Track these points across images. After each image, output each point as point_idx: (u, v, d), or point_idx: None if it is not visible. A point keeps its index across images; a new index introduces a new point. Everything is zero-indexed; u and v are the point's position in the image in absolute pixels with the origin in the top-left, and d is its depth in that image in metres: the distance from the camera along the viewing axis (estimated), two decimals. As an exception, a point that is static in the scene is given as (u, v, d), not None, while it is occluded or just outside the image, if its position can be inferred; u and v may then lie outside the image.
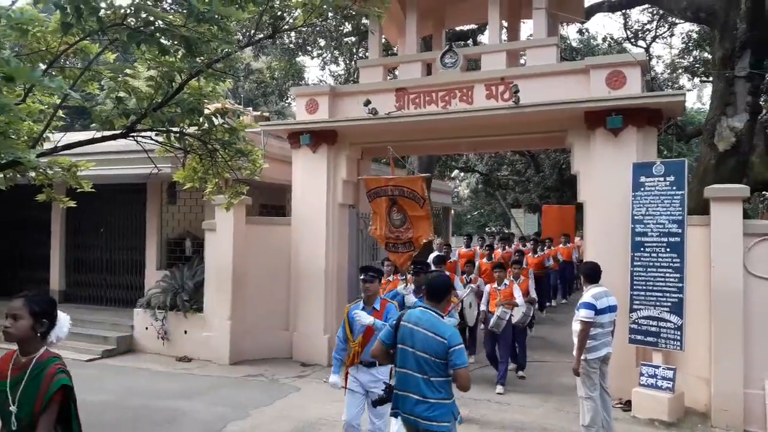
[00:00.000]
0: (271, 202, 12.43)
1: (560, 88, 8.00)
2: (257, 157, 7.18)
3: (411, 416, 3.67)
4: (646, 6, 15.75)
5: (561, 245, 15.69)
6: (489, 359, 8.34)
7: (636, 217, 7.22)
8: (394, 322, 3.88)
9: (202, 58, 5.30)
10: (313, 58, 18.95)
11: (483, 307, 8.48)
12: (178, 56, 5.25)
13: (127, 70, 5.42)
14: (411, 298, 5.85)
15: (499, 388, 7.83)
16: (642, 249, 7.16)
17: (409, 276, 7.22)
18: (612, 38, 19.29)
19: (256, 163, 7.21)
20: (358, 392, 5.11)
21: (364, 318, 5.02)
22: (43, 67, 5.09)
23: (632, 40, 18.23)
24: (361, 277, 5.24)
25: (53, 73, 5.05)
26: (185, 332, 9.90)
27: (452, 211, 26.51)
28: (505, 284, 8.25)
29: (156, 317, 10.02)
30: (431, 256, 9.54)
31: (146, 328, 10.20)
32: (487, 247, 12.95)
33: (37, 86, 4.96)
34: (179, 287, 10.10)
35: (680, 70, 19.70)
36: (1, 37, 3.77)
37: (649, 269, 7.08)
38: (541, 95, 7.97)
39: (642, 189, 7.20)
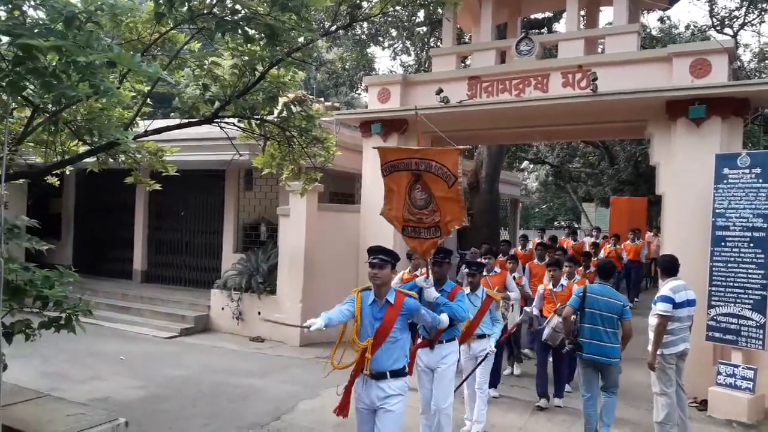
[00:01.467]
0: (341, 190, 12.65)
1: (641, 77, 7.79)
2: (331, 144, 7.36)
3: (596, 356, 5.57)
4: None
5: (628, 242, 14.15)
6: (538, 379, 6.97)
7: (718, 211, 6.95)
8: (581, 293, 5.66)
9: (282, 47, 5.48)
10: (384, 48, 19.08)
11: (535, 311, 7.32)
12: (261, 45, 5.44)
13: (213, 59, 5.67)
14: (432, 293, 4.77)
15: (557, 401, 6.94)
16: (723, 244, 6.88)
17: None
18: (695, 26, 18.43)
19: (330, 150, 7.39)
20: (366, 411, 4.21)
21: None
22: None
23: (718, 28, 17.39)
24: (369, 260, 4.21)
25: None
26: (259, 313, 10.26)
27: (521, 204, 26.13)
28: (562, 285, 7.08)
29: (231, 298, 10.43)
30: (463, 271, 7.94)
31: (222, 309, 10.63)
32: (540, 246, 10.02)
33: (131, 73, 5.28)
34: (254, 270, 10.47)
35: (770, 59, 18.64)
36: (101, 26, 4.03)
37: (730, 265, 6.81)
38: (621, 84, 7.77)
39: (725, 181, 6.92)
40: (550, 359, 7.01)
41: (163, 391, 7.12)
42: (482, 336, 5.88)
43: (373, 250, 4.24)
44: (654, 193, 8.20)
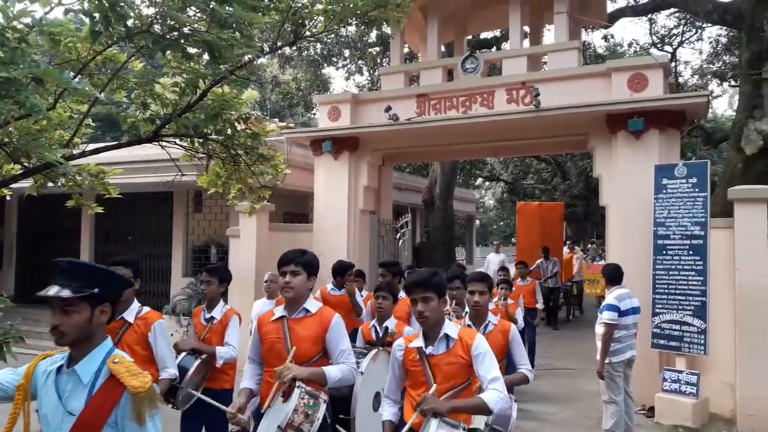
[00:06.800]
0: (295, 210, 12.56)
1: (582, 92, 8.01)
2: (279, 162, 7.29)
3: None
4: (673, 10, 15.65)
5: (519, 280, 8.98)
6: None
7: (658, 220, 7.15)
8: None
9: (225, 65, 5.43)
10: (338, 68, 19.20)
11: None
12: (202, 62, 5.39)
13: (152, 76, 5.58)
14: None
15: None
16: (664, 252, 7.08)
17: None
18: (637, 43, 19.20)
19: (278, 168, 7.33)
20: None
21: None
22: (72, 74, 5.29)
23: (659, 45, 18.13)
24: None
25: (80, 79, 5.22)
26: (210, 337, 10.03)
27: (477, 221, 26.42)
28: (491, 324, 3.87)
29: (181, 323, 10.18)
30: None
31: (171, 335, 10.29)
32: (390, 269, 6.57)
33: (66, 93, 5.17)
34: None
35: (709, 76, 19.48)
36: (33, 44, 3.94)
37: (671, 272, 6.99)
38: (563, 99, 7.97)
39: (664, 191, 7.14)
40: None
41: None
42: None
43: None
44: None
